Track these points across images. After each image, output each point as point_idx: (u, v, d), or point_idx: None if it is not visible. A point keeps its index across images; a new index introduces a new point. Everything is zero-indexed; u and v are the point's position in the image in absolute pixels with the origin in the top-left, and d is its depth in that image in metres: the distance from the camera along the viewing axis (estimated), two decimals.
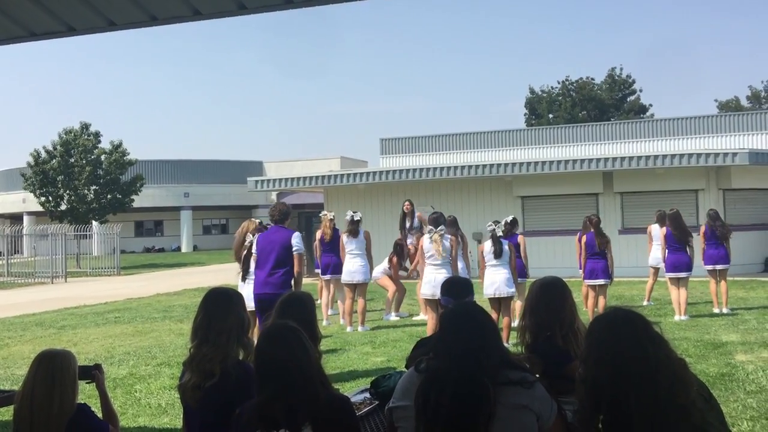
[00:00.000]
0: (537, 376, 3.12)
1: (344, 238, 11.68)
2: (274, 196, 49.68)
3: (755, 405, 6.28)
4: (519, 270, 10.59)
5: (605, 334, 2.43)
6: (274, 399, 2.66)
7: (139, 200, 38.36)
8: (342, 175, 21.74)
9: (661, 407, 2.25)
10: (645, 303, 12.75)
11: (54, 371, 3.12)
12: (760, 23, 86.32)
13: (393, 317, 12.28)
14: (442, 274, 8.63)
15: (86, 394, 4.47)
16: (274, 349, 2.73)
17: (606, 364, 2.35)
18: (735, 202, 19.03)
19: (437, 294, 7.54)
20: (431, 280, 8.85)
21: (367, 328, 11.17)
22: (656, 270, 12.77)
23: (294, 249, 7.55)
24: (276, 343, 2.74)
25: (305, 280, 8.14)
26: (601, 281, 10.95)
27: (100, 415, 3.44)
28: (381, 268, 12.68)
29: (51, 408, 3.08)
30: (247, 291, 8.16)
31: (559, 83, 55.20)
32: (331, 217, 12.43)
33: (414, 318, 12.08)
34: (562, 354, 3.60)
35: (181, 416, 3.54)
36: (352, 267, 11.45)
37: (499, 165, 20.08)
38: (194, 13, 4.47)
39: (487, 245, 9.76)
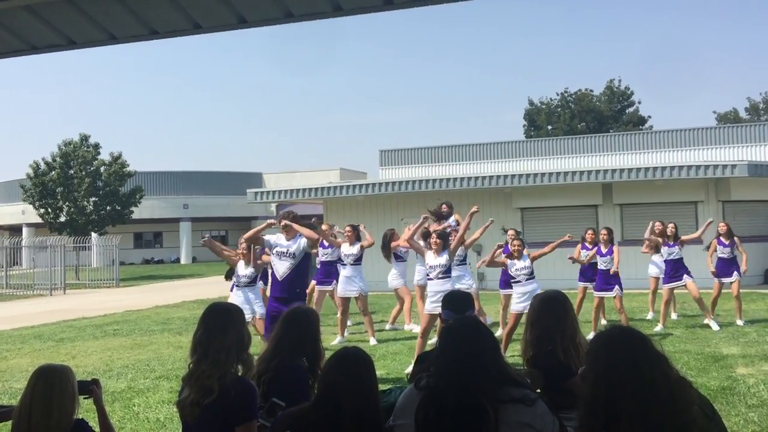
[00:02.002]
0: (538, 391, 3.10)
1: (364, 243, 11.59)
2: (273, 207, 49.74)
3: (757, 419, 6.24)
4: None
5: (602, 351, 2.43)
6: (314, 409, 2.78)
7: (139, 212, 38.33)
8: (341, 187, 21.75)
9: (654, 426, 2.23)
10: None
11: (52, 387, 3.10)
12: (758, 36, 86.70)
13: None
14: (446, 289, 8.57)
15: (84, 408, 4.43)
16: (337, 369, 2.83)
17: (601, 381, 2.34)
18: (734, 214, 19.02)
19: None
20: (434, 293, 8.81)
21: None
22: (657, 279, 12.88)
23: None
24: (340, 365, 2.85)
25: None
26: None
27: (97, 430, 3.42)
28: (398, 275, 12.28)
29: (49, 424, 3.06)
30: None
31: (558, 95, 55.44)
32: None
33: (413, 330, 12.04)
34: (563, 368, 3.57)
35: (180, 431, 3.52)
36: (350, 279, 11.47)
37: (498, 177, 20.09)
38: (195, 27, 4.47)
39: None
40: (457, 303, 4.31)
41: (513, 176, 20.04)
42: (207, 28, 4.50)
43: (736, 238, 12.28)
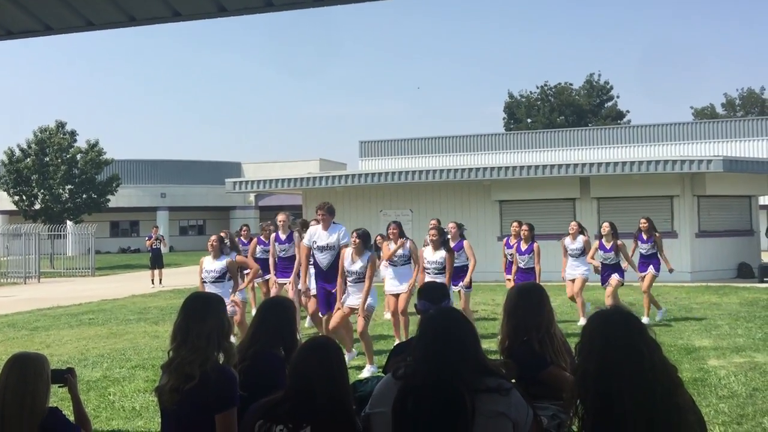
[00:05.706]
0: (513, 381, 3.13)
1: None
2: (252, 197, 49.47)
3: (727, 410, 6.36)
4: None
5: (599, 326, 2.49)
6: (287, 399, 2.78)
7: (115, 200, 37.97)
8: (320, 178, 21.71)
9: (659, 406, 2.29)
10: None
11: (26, 375, 3.08)
12: (735, 32, 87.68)
13: None
14: (405, 273, 9.87)
15: (58, 396, 4.39)
16: (309, 358, 2.84)
17: (596, 354, 2.39)
18: (709, 209, 19.28)
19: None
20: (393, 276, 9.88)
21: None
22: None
23: None
24: (312, 354, 2.87)
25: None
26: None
27: (72, 418, 3.40)
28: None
29: (22, 412, 3.04)
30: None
31: (537, 88, 55.71)
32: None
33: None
34: (538, 359, 3.61)
35: (156, 419, 3.51)
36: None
37: (477, 169, 20.16)
38: (173, 14, 4.43)
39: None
40: (433, 293, 4.34)
41: (492, 169, 20.14)
42: (186, 15, 4.46)
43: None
